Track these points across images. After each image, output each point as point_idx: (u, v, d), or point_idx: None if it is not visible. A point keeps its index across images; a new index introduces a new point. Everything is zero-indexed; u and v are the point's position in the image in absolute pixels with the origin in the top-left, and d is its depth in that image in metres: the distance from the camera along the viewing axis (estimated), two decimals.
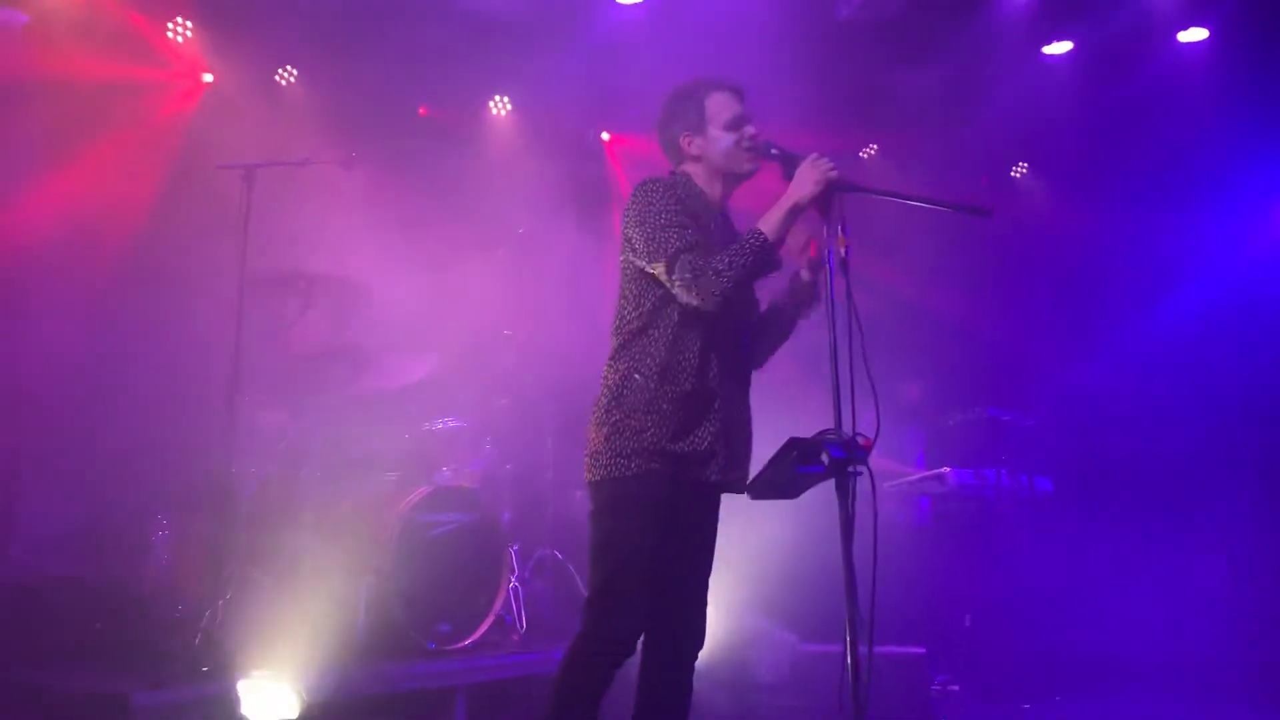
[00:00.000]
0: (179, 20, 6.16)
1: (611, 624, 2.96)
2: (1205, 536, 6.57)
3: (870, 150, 7.92)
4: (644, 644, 3.13)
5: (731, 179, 3.20)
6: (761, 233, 2.96)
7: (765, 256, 2.95)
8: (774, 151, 3.10)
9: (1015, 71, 7.01)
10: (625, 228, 3.10)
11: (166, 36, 6.16)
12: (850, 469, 2.71)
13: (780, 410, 3.36)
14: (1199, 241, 7.11)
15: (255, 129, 5.94)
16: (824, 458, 2.70)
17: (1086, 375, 7.12)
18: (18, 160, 5.37)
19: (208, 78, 6.33)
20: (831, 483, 2.78)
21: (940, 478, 6.23)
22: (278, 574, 4.54)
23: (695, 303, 2.95)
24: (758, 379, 3.30)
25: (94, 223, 5.44)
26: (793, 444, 2.75)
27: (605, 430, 3.03)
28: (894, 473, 6.37)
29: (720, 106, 3.17)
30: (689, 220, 3.04)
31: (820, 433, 2.74)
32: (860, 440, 2.70)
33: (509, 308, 6.03)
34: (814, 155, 2.98)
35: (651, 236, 2.99)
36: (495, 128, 7.36)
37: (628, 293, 3.11)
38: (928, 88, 6.96)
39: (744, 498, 3.16)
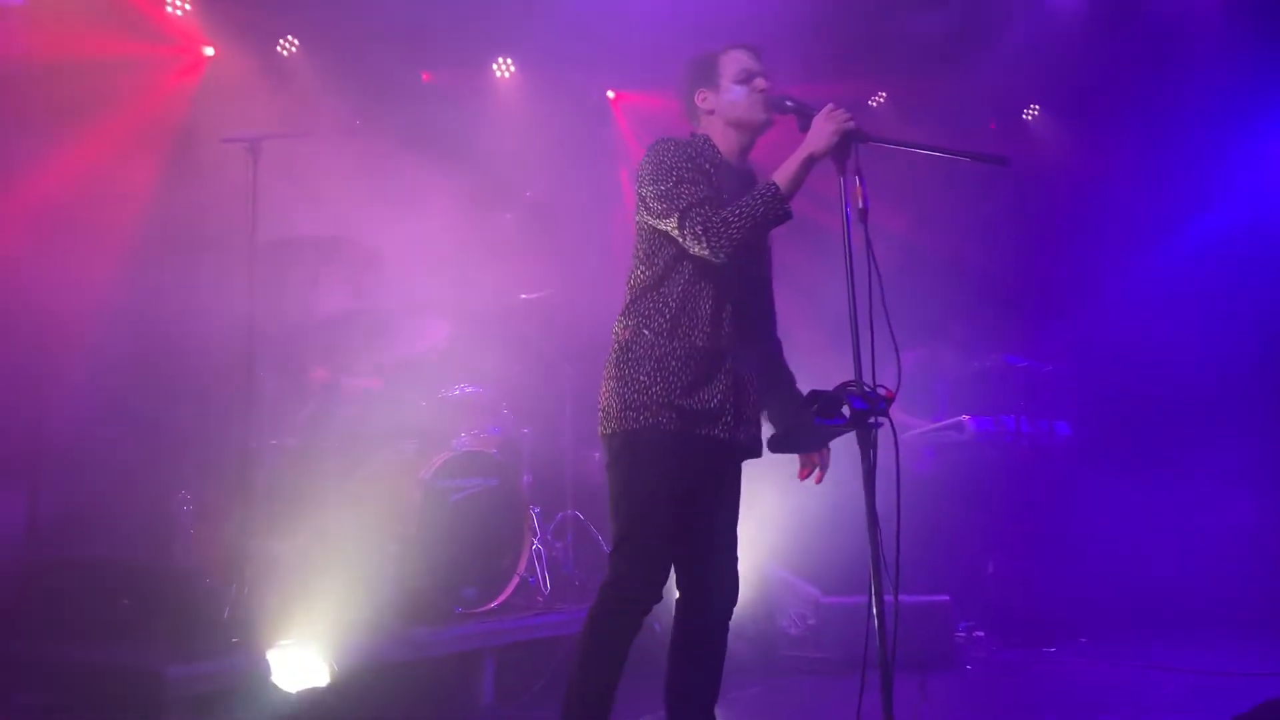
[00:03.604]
0: None
1: (633, 572, 3.00)
2: (1228, 476, 6.54)
3: (879, 98, 7.82)
4: (677, 600, 3.17)
5: (746, 130, 3.19)
6: (775, 184, 2.96)
7: (777, 207, 2.95)
8: (789, 104, 3.07)
9: (1025, 11, 6.90)
10: (638, 186, 3.10)
11: (165, 11, 6.09)
12: (871, 420, 2.69)
13: (800, 364, 3.34)
14: (1213, 179, 7.02)
15: (259, 101, 5.89)
16: (845, 410, 2.69)
17: (1103, 317, 7.07)
18: (21, 142, 5.34)
19: (208, 51, 6.27)
20: (851, 435, 2.77)
21: (959, 425, 6.21)
22: (302, 545, 4.57)
23: (706, 253, 2.96)
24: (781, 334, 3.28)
25: (100, 203, 5.41)
26: (813, 396, 2.74)
27: (613, 384, 3.06)
28: (913, 422, 6.35)
29: (732, 61, 3.19)
30: (700, 176, 3.04)
31: (841, 385, 2.72)
32: (881, 391, 2.68)
33: (521, 271, 6.01)
34: (829, 106, 2.96)
35: (663, 193, 3.01)
36: (500, 90, 7.30)
37: (640, 250, 3.14)
38: (936, 32, 6.86)
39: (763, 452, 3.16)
